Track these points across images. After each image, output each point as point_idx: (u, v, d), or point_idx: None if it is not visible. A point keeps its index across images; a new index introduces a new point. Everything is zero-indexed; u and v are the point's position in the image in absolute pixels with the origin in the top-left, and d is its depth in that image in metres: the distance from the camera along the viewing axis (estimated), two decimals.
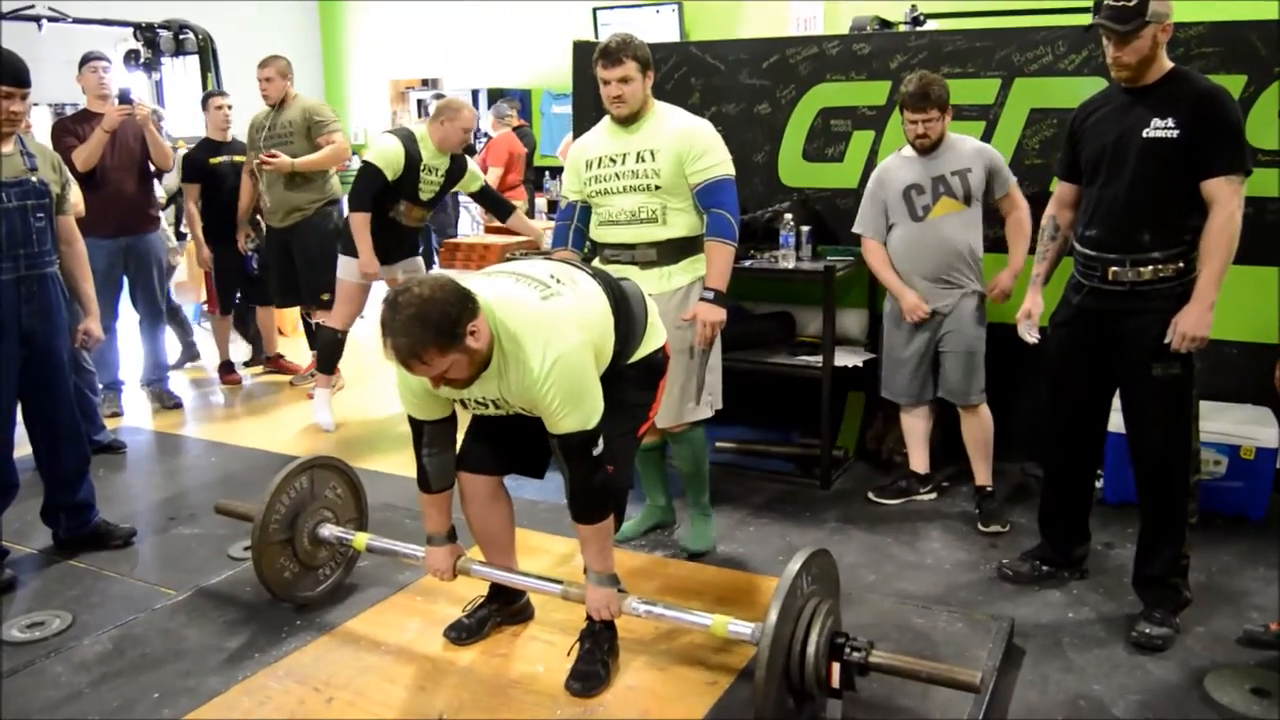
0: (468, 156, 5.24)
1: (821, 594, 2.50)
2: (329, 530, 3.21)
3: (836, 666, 2.39)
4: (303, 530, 3.18)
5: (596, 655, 2.76)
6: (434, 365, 2.35)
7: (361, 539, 3.17)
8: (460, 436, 2.89)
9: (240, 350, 6.78)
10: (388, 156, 4.79)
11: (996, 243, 4.01)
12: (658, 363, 2.91)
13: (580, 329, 2.54)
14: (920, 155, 3.86)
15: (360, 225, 4.86)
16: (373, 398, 5.97)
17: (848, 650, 2.41)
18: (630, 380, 2.81)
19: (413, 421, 2.77)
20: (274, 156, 5.41)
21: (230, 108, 6.10)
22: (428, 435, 2.77)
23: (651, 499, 3.91)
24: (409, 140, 4.86)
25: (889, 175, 3.96)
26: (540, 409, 2.52)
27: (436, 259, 7.47)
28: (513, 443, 2.86)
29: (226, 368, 6.37)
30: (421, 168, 4.86)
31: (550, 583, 2.84)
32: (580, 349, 2.51)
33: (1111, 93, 3.12)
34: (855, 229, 4.09)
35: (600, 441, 2.56)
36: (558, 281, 2.64)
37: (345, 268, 5.11)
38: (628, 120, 3.43)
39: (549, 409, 2.49)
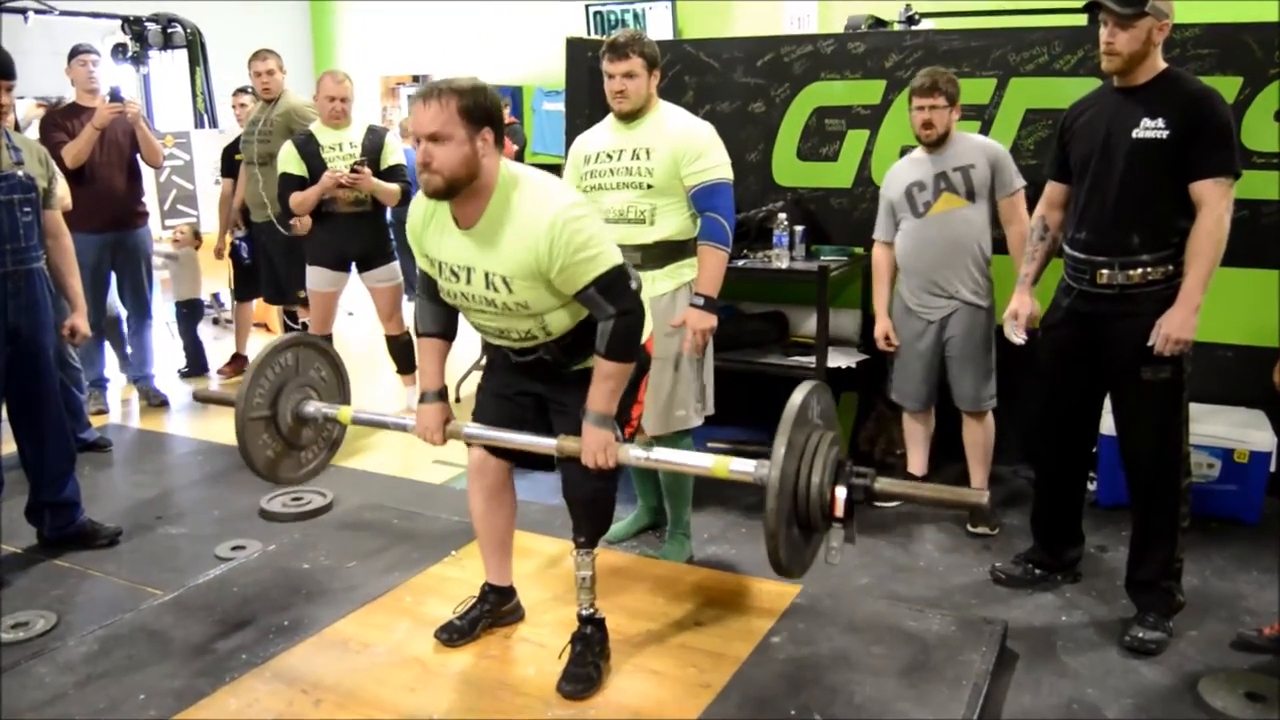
0: (389, 133, 5.20)
1: (824, 426, 2.49)
2: (313, 407, 3.10)
3: (841, 492, 2.37)
4: (286, 407, 3.06)
5: (588, 657, 2.73)
6: (439, 116, 2.33)
7: (346, 412, 3.07)
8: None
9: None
10: (283, 156, 4.96)
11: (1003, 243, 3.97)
12: (641, 362, 2.79)
13: (590, 207, 2.54)
14: (927, 152, 3.84)
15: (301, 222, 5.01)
16: (363, 398, 5.92)
17: (852, 477, 2.39)
18: None
19: (419, 273, 2.73)
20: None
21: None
22: (420, 280, 2.72)
23: (643, 500, 3.89)
24: (300, 135, 5.00)
25: (894, 176, 3.95)
26: (566, 265, 2.39)
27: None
28: (528, 412, 2.78)
29: (237, 360, 6.37)
30: (323, 151, 4.88)
31: (542, 439, 2.68)
32: (591, 214, 2.49)
33: (1103, 93, 3.11)
34: (874, 235, 4.09)
35: (635, 278, 2.52)
36: None
37: (311, 277, 5.11)
38: (629, 117, 3.39)
39: (578, 254, 2.39)
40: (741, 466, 2.49)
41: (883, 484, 2.42)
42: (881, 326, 4.01)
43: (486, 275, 2.48)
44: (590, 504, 2.69)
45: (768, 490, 2.28)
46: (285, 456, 3.14)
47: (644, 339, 2.76)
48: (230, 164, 6.10)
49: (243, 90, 6.23)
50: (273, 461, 3.10)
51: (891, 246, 3.99)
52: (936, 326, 3.89)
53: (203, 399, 3.44)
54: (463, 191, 2.40)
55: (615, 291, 2.46)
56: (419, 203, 2.57)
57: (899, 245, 3.95)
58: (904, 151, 4.37)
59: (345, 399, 3.29)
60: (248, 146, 5.59)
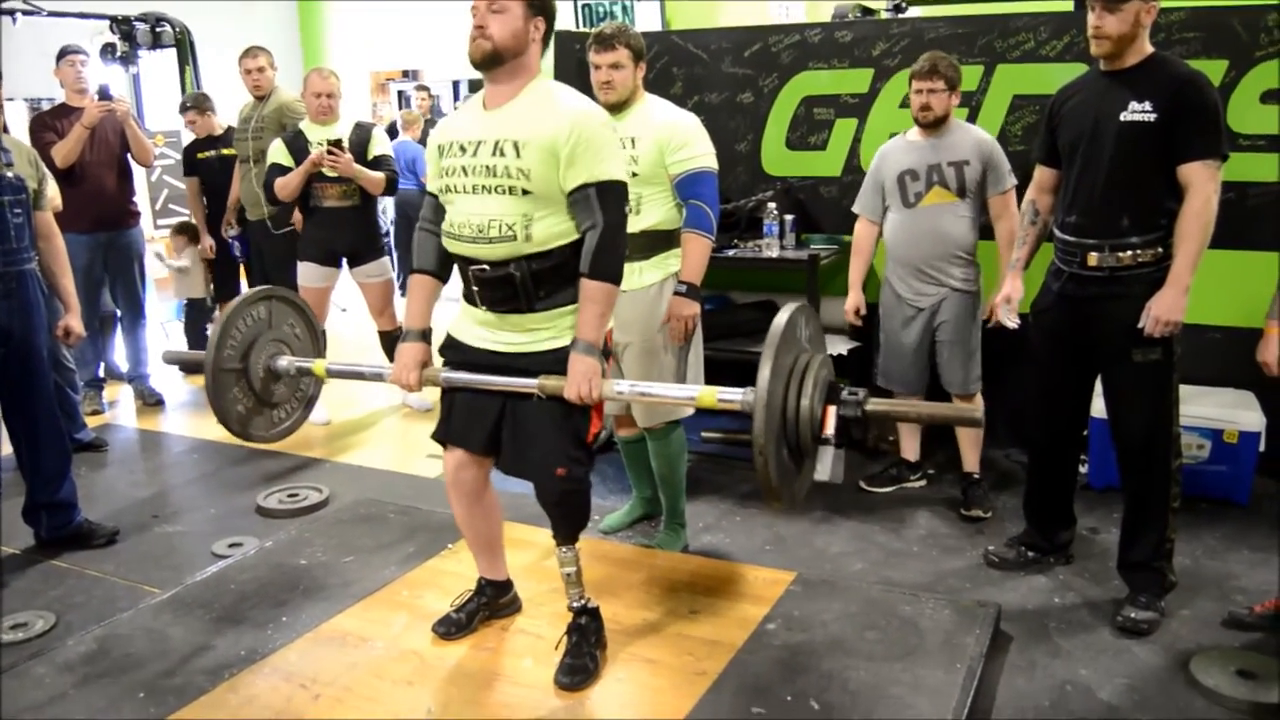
0: (375, 127, 5.22)
1: (812, 349, 2.46)
2: (285, 361, 3.04)
3: (832, 411, 2.34)
4: (258, 361, 3.01)
5: (584, 648, 2.75)
6: None
7: (320, 365, 3.01)
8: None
9: None
10: (272, 150, 5.02)
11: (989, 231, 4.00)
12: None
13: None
14: (923, 136, 3.84)
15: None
16: (359, 394, 5.94)
17: (842, 396, 2.35)
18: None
19: (427, 196, 2.74)
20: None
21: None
22: (425, 208, 2.73)
23: (637, 491, 3.91)
24: (289, 132, 5.06)
25: (888, 157, 3.95)
26: (578, 152, 2.43)
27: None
28: (495, 426, 2.68)
29: None
30: (311, 147, 4.89)
31: (525, 379, 2.58)
32: (618, 139, 2.57)
33: (1090, 77, 3.12)
34: (854, 208, 4.09)
35: (628, 201, 2.55)
36: None
37: (303, 273, 5.12)
38: (615, 109, 3.40)
39: (593, 148, 2.44)
40: (729, 395, 2.44)
41: (875, 404, 2.37)
42: (853, 300, 4.00)
43: (497, 143, 2.49)
44: (562, 503, 2.64)
45: (754, 412, 2.22)
46: (257, 413, 3.08)
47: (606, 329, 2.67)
48: (193, 163, 6.04)
49: (185, 107, 6.10)
50: (244, 417, 3.03)
51: (875, 226, 4.00)
52: (927, 313, 3.90)
53: (172, 360, 3.34)
54: (504, 66, 2.49)
55: (608, 200, 2.47)
56: (453, 112, 2.64)
57: (888, 234, 3.96)
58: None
59: (319, 354, 3.23)
60: (241, 144, 5.57)
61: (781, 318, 2.31)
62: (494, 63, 2.48)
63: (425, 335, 2.76)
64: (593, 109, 2.54)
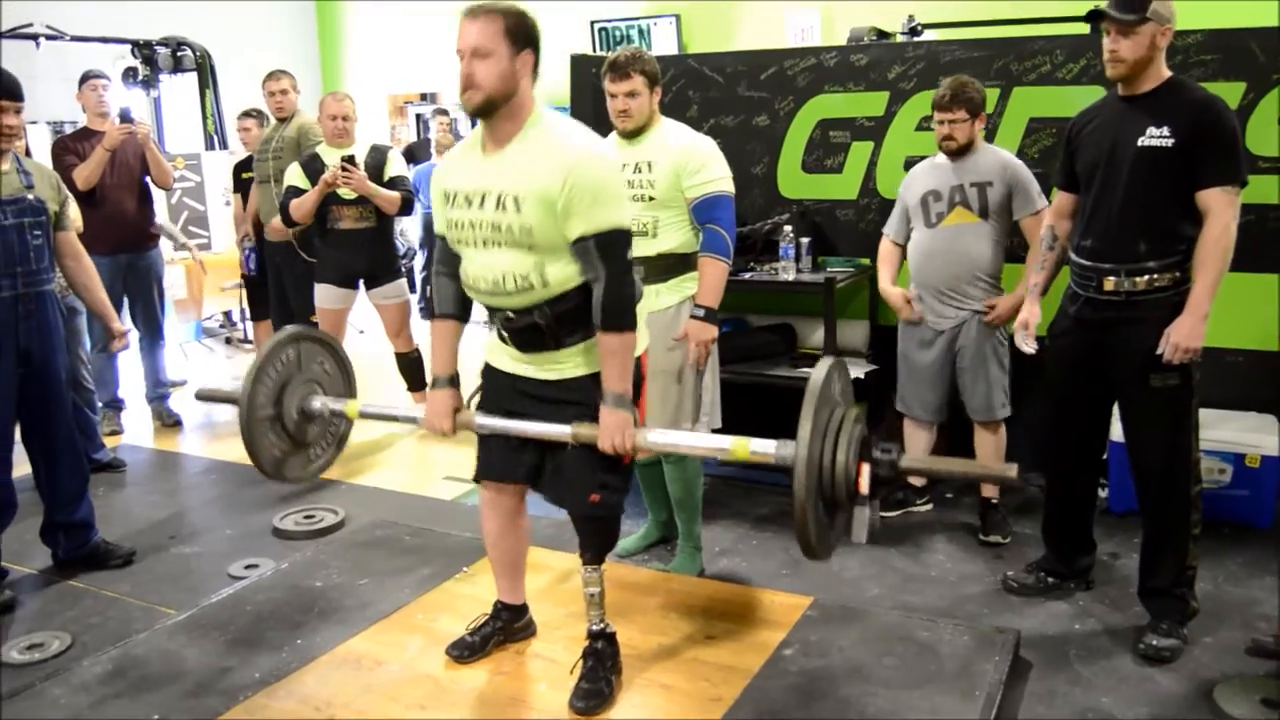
0: (391, 149, 5.28)
1: (845, 403, 2.47)
2: (319, 403, 3.05)
3: (866, 468, 2.34)
4: (291, 404, 3.01)
5: (600, 673, 2.73)
6: (484, 31, 2.39)
7: (353, 407, 3.02)
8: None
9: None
10: (289, 174, 5.09)
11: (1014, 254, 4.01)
12: (634, 377, 2.69)
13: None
14: (949, 161, 3.85)
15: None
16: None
17: (876, 453, 2.36)
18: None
19: (435, 238, 2.72)
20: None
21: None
22: (439, 252, 2.71)
23: (653, 514, 3.89)
24: (305, 155, 5.12)
25: (914, 180, 3.97)
26: (574, 202, 2.39)
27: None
28: (531, 455, 2.71)
29: None
30: (326, 170, 4.93)
31: (557, 426, 2.60)
32: (615, 165, 2.53)
33: (1108, 101, 3.12)
34: (885, 229, 4.12)
35: (633, 248, 2.51)
36: None
37: (320, 295, 5.17)
38: (633, 134, 3.42)
39: (579, 204, 2.38)
40: (763, 447, 2.44)
41: (908, 460, 2.38)
42: (897, 292, 3.97)
43: (499, 197, 2.47)
44: (594, 519, 2.65)
45: (795, 469, 2.24)
46: (292, 455, 3.08)
47: (639, 352, 2.71)
48: (240, 181, 6.16)
49: (247, 114, 6.27)
50: (279, 460, 3.04)
51: (899, 248, 4.02)
52: (947, 337, 3.89)
53: (205, 397, 3.37)
54: (500, 111, 2.45)
55: (609, 251, 2.43)
56: (453, 148, 2.62)
57: (911, 254, 3.97)
58: (909, 163, 4.39)
59: (351, 393, 3.22)
60: (261, 164, 5.63)
61: (819, 374, 2.34)
62: (489, 111, 2.44)
63: (454, 380, 2.76)
64: (590, 150, 2.46)
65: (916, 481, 4.15)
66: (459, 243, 2.60)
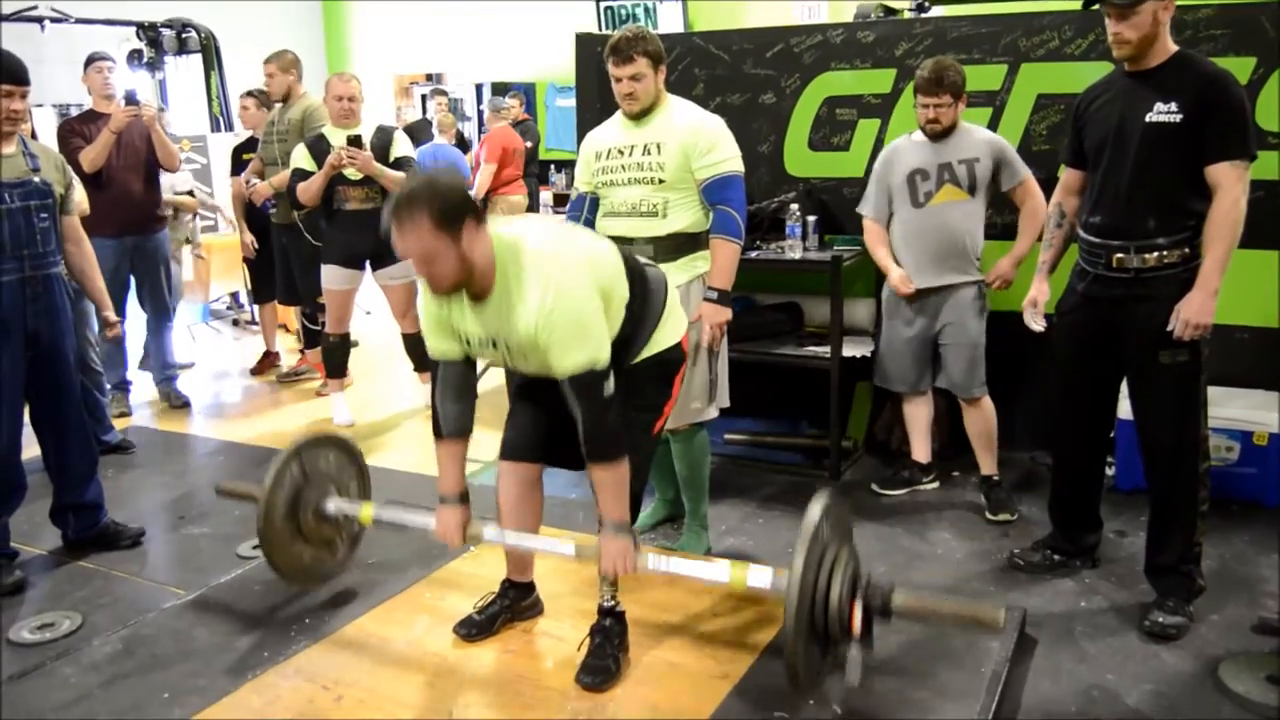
0: (397, 130, 5.29)
1: (840, 539, 2.49)
2: (334, 505, 3.13)
3: (859, 608, 2.38)
4: (307, 512, 3.10)
5: (607, 650, 2.75)
6: (420, 237, 2.37)
7: (367, 511, 3.10)
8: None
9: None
10: (295, 155, 5.10)
11: (1006, 229, 4.01)
12: (675, 360, 2.85)
13: (588, 267, 2.54)
14: (930, 141, 3.84)
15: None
16: (380, 395, 5.97)
17: (869, 592, 2.40)
18: (647, 378, 2.77)
19: (432, 362, 2.75)
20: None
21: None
22: (443, 378, 2.74)
23: (660, 493, 3.90)
24: (311, 136, 5.12)
25: (896, 159, 3.94)
26: (543, 348, 2.48)
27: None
28: (553, 433, 2.81)
29: (268, 357, 6.47)
30: (332, 150, 4.93)
31: (562, 543, 2.76)
32: (585, 287, 2.49)
33: (1115, 78, 3.09)
34: (859, 209, 4.10)
35: (611, 381, 2.52)
36: (575, 232, 2.70)
37: (327, 276, 5.19)
38: (639, 115, 3.40)
39: (552, 346, 2.46)
40: (760, 580, 2.52)
41: (900, 599, 2.42)
42: (896, 273, 3.94)
43: (507, 343, 2.57)
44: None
45: (786, 604, 2.28)
46: (319, 556, 3.21)
47: (678, 338, 2.83)
48: (239, 163, 6.16)
49: (249, 94, 6.26)
50: (311, 566, 3.19)
51: (882, 229, 4.00)
52: (930, 313, 3.90)
53: (226, 493, 3.50)
54: (475, 274, 2.48)
55: (585, 392, 2.50)
56: (429, 300, 2.61)
57: (895, 235, 3.96)
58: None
59: (364, 480, 3.35)
60: (268, 147, 5.68)
61: (814, 512, 2.38)
62: (460, 288, 2.51)
63: (463, 497, 2.84)
64: (554, 288, 2.44)
65: (920, 458, 4.15)
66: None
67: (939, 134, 3.81)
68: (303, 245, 5.49)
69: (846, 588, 2.38)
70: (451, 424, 2.77)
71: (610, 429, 2.53)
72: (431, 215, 2.35)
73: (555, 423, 2.74)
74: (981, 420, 3.95)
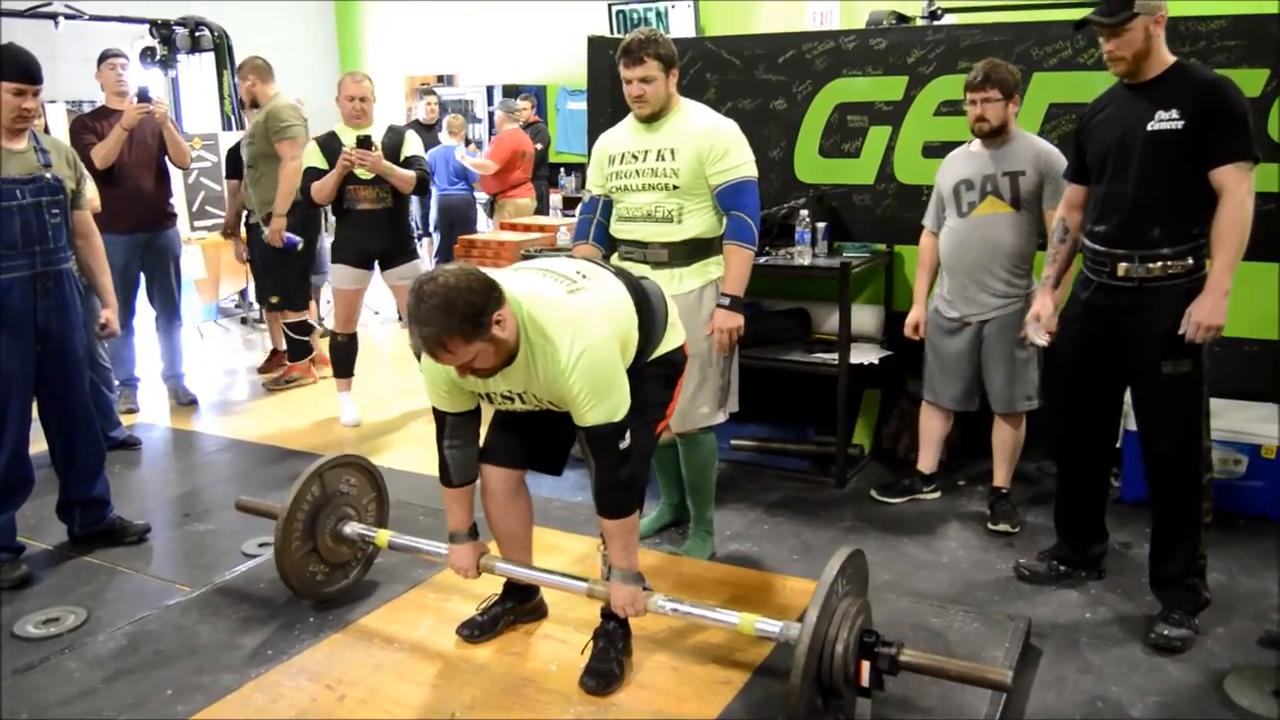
0: (408, 130, 5.32)
1: (854, 593, 2.48)
2: (351, 528, 3.19)
3: (866, 665, 2.37)
4: (324, 533, 3.16)
5: (610, 653, 2.75)
6: (459, 354, 2.36)
7: (383, 537, 3.15)
8: (483, 431, 2.88)
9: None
10: (307, 152, 5.10)
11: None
12: (677, 362, 2.89)
13: (607, 321, 2.55)
14: (984, 146, 3.79)
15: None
16: (387, 394, 5.97)
17: (878, 648, 2.39)
18: (650, 378, 2.79)
19: (436, 413, 2.76)
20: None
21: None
22: (450, 428, 2.75)
23: (666, 497, 3.90)
24: (324, 135, 5.10)
25: (947, 167, 3.93)
26: (568, 401, 2.52)
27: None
28: (534, 437, 2.85)
29: (275, 355, 6.48)
30: (344, 149, 4.94)
31: (575, 580, 2.81)
32: (607, 342, 2.51)
33: (1116, 91, 3.10)
34: (924, 220, 4.07)
35: (628, 436, 2.56)
36: (583, 277, 2.66)
37: (336, 275, 5.23)
38: (650, 118, 3.40)
39: (576, 401, 2.50)
40: (767, 627, 2.53)
41: (909, 656, 2.41)
42: (915, 315, 3.97)
43: (535, 396, 2.60)
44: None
45: (795, 650, 2.27)
46: (331, 574, 3.24)
47: (680, 343, 2.87)
48: (235, 165, 6.18)
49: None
50: (322, 583, 3.22)
51: (937, 237, 3.98)
52: (974, 326, 3.86)
53: (245, 508, 3.51)
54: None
55: (602, 445, 2.55)
56: (439, 367, 2.58)
57: (942, 243, 3.92)
58: (927, 148, 4.36)
59: (383, 504, 3.39)
60: (248, 149, 5.74)
61: (832, 568, 2.37)
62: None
63: (474, 532, 2.90)
64: (576, 349, 2.46)
65: (924, 468, 4.14)
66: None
67: (989, 136, 3.73)
68: (289, 256, 5.55)
69: (855, 643, 2.36)
70: (463, 474, 2.81)
71: (623, 484, 2.58)
72: (462, 332, 2.33)
73: (536, 430, 2.81)
74: (1011, 433, 3.91)
